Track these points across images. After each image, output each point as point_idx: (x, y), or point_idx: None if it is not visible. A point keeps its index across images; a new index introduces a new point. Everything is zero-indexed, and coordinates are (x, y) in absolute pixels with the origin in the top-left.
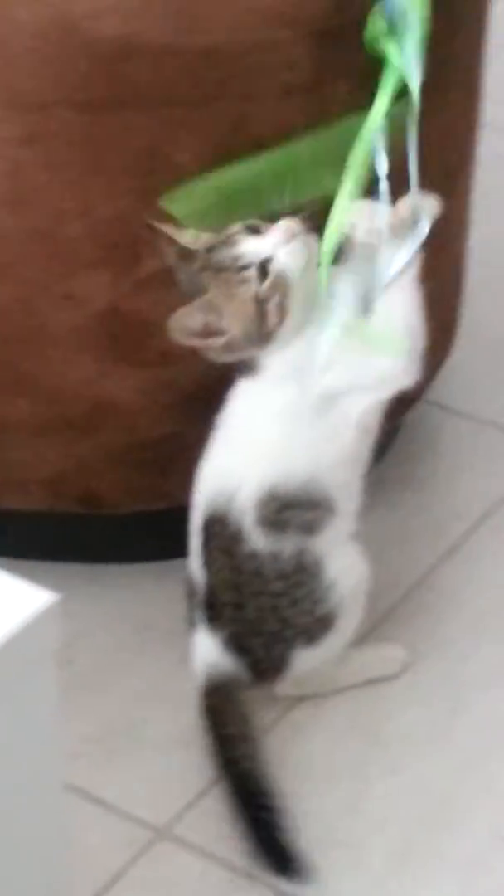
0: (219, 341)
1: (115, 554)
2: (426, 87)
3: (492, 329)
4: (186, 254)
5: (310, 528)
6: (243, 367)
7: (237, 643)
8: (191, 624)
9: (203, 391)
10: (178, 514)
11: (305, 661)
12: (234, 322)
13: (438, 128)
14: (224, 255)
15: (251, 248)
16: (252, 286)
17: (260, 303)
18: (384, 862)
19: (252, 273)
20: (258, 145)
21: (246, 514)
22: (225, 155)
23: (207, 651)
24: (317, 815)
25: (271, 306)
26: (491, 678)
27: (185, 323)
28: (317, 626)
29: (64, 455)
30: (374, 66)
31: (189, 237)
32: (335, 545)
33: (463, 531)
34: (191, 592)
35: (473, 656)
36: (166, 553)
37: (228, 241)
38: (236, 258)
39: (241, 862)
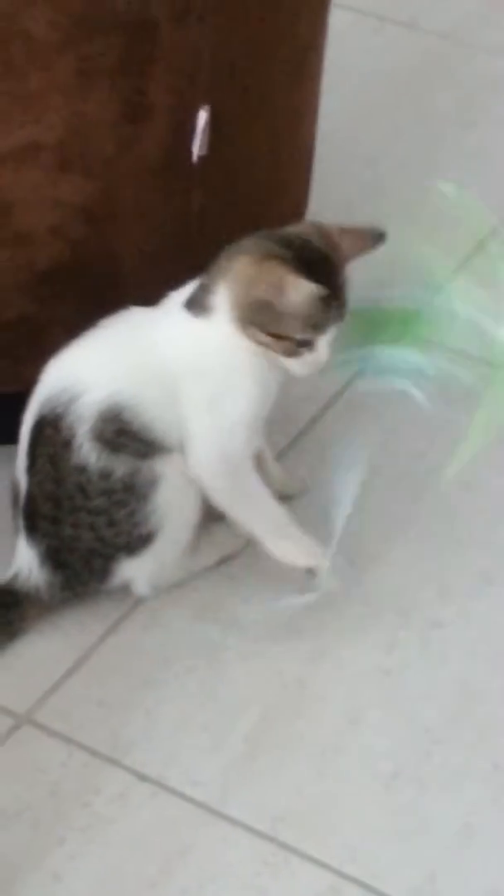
0: None
1: None
2: None
3: (338, 210)
4: None
5: (144, 455)
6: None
7: (54, 558)
8: (15, 529)
9: (58, 274)
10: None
11: (130, 569)
12: None
13: (290, 1)
14: None
15: None
16: None
17: None
18: (242, 745)
19: None
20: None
21: (83, 424)
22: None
23: (26, 561)
24: (175, 699)
25: None
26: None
27: None
28: (136, 542)
29: None
30: None
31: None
32: (169, 470)
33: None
34: (14, 497)
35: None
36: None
37: None
38: None
39: (103, 747)
